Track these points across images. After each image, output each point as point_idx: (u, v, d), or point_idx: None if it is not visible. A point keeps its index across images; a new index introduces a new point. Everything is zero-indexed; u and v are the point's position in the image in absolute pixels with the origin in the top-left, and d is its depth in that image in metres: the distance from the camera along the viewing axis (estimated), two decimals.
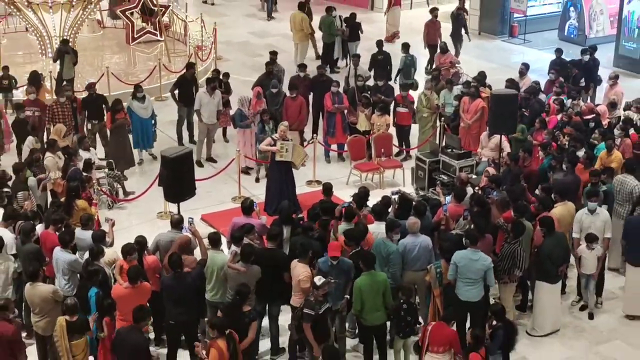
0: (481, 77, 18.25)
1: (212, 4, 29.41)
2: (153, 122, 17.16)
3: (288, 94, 17.41)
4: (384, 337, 11.18)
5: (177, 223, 11.94)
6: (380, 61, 20.15)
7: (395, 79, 19.76)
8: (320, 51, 22.94)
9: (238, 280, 10.89)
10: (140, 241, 11.40)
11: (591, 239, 12.12)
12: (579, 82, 18.40)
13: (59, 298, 10.72)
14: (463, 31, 22.19)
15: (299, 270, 10.95)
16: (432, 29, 21.72)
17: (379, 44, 20.75)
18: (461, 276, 11.13)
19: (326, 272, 10.69)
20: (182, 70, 19.12)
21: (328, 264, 10.83)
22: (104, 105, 16.84)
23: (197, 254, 11.60)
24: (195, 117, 17.41)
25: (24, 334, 10.88)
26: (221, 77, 18.19)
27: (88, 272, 10.90)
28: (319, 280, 10.22)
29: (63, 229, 11.78)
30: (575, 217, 12.50)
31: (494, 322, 10.36)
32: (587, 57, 19.00)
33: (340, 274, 10.76)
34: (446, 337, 10.21)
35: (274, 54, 18.87)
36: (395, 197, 13.01)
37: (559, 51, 19.29)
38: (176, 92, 18.01)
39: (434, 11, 22.51)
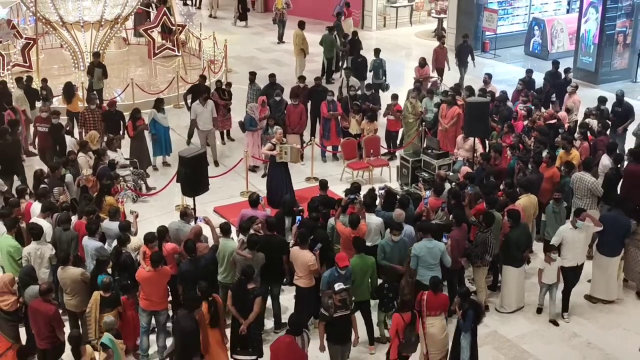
0: (457, 87, 18.33)
1: (215, 18, 29.52)
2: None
3: (290, 102, 17.44)
4: (368, 310, 11.25)
5: (183, 214, 12.07)
6: (359, 64, 20.88)
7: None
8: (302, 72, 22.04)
9: (245, 265, 10.90)
10: (162, 231, 11.38)
11: (550, 248, 11.79)
12: (550, 96, 18.26)
13: (86, 279, 10.76)
14: (469, 58, 21.77)
15: (306, 256, 11.02)
16: (440, 55, 21.35)
17: (358, 50, 21.72)
18: (422, 264, 11.13)
19: (334, 281, 10.24)
20: (197, 81, 19.10)
21: (335, 274, 10.48)
22: (121, 121, 16.65)
23: (210, 241, 11.64)
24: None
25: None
26: (224, 86, 18.15)
27: (98, 261, 10.92)
28: (338, 286, 9.94)
29: (93, 220, 11.79)
30: (559, 230, 11.93)
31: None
32: (570, 75, 18.87)
33: (347, 281, 10.52)
34: (440, 302, 10.36)
35: (272, 76, 18.50)
36: (382, 191, 13.05)
37: (529, 71, 18.88)
38: (189, 99, 17.95)
39: (441, 39, 22.30)
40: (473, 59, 21.57)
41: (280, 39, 26.62)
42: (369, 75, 20.76)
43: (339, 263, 10.46)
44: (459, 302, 10.28)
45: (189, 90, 18.36)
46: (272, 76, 18.45)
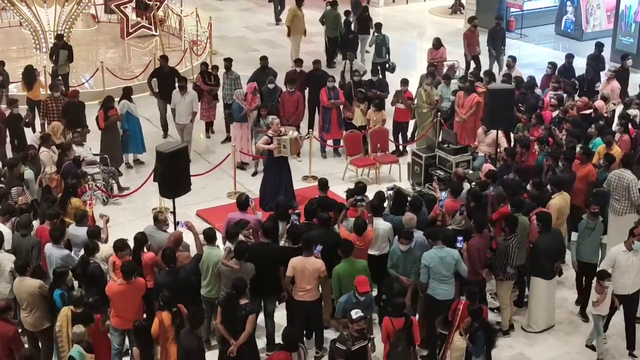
0: (477, 72, 18.31)
1: None
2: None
3: (285, 89, 17.43)
4: None
5: (155, 219, 12.04)
6: (350, 41, 21.49)
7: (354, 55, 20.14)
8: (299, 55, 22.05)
9: (231, 278, 10.88)
10: (139, 238, 11.39)
11: (603, 276, 11.21)
12: (593, 84, 18.25)
13: (45, 293, 10.72)
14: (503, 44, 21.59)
15: (316, 263, 11.05)
16: (472, 39, 21.18)
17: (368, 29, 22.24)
18: (434, 276, 11.10)
19: (351, 308, 10.14)
20: (177, 65, 19.09)
21: (353, 300, 10.42)
22: (83, 114, 16.64)
23: (193, 250, 11.64)
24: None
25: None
26: (210, 69, 18.20)
27: (55, 273, 10.88)
28: (355, 313, 9.81)
29: (56, 225, 11.78)
30: (610, 253, 11.59)
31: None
32: (629, 62, 18.89)
33: (366, 309, 10.50)
34: None
35: (264, 59, 18.56)
36: (391, 192, 13.02)
37: (569, 56, 18.83)
38: (155, 85, 18.04)
39: (472, 20, 21.73)
40: (504, 45, 21.44)
41: (277, 19, 26.58)
42: (371, 53, 20.88)
43: (359, 288, 10.35)
44: (469, 322, 10.27)
45: (152, 74, 18.37)
46: (263, 59, 18.46)
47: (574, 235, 12.19)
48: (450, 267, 11.11)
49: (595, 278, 11.69)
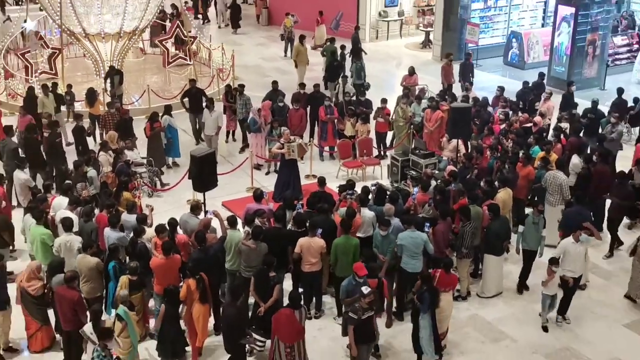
0: (442, 93, 18.32)
1: (236, 32, 29.21)
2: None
3: (291, 106, 17.41)
4: None
5: (195, 207, 12.05)
6: (335, 67, 21.52)
7: (345, 79, 20.11)
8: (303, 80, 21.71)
9: (250, 255, 10.91)
10: (172, 222, 11.44)
11: (552, 262, 11.05)
12: (533, 104, 18.08)
13: (100, 268, 10.73)
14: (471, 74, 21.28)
15: (319, 242, 11.12)
16: (448, 71, 20.93)
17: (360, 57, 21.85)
18: (407, 252, 11.13)
19: (352, 290, 10.04)
20: (207, 88, 18.99)
21: (353, 282, 10.14)
22: (131, 126, 16.61)
23: (219, 233, 11.65)
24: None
25: None
26: (233, 90, 18.14)
27: (109, 249, 10.93)
28: (365, 289, 9.60)
29: (113, 213, 11.81)
30: (561, 244, 11.46)
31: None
32: (574, 88, 18.65)
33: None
34: (452, 280, 10.70)
35: (275, 83, 18.50)
36: (374, 188, 13.05)
37: (594, 102, 17.42)
38: (187, 103, 17.91)
39: (448, 56, 21.49)
40: (473, 76, 21.07)
41: (286, 53, 26.26)
42: (350, 79, 20.77)
43: (358, 272, 10.21)
44: (419, 284, 10.26)
45: (183, 94, 18.28)
46: (274, 83, 18.45)
47: (521, 228, 12.08)
48: (420, 246, 11.13)
49: (533, 262, 11.95)
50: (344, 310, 10.26)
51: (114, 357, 9.03)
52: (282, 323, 9.65)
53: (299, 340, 9.80)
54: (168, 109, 16.79)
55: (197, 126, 17.84)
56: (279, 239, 11.33)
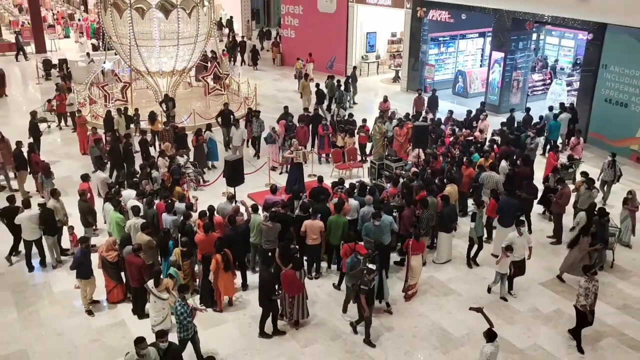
0: (407, 115, 18.15)
1: (256, 69, 28.83)
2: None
3: (298, 125, 17.30)
4: (338, 251, 11.20)
5: (230, 198, 11.99)
6: (321, 92, 21.25)
7: (329, 105, 19.89)
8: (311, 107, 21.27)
9: (268, 232, 10.89)
10: (210, 209, 11.38)
11: (507, 249, 10.66)
12: (472, 122, 17.80)
13: (152, 245, 10.68)
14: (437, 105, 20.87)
15: (319, 223, 11.05)
16: (418, 102, 20.41)
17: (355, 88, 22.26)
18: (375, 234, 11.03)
19: (355, 265, 9.86)
20: (236, 111, 18.89)
21: (355, 259, 9.92)
22: (185, 138, 16.53)
23: (245, 217, 11.59)
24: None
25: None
26: (252, 112, 18.04)
27: (164, 231, 10.88)
28: (372, 266, 9.37)
29: (168, 202, 11.77)
30: (508, 237, 10.93)
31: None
32: (515, 113, 18.45)
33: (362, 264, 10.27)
34: (421, 246, 10.81)
35: (286, 107, 18.32)
36: (357, 184, 13.02)
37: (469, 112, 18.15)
38: (219, 120, 17.95)
39: (418, 91, 21.08)
40: (437, 106, 20.46)
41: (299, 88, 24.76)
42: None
43: (360, 251, 10.03)
44: (373, 248, 10.16)
45: (218, 114, 18.24)
46: (286, 107, 18.33)
47: (472, 225, 11.81)
48: (387, 227, 11.09)
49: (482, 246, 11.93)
50: (351, 283, 9.83)
51: (190, 306, 8.97)
52: (287, 280, 9.70)
53: (299, 293, 9.79)
54: (209, 126, 16.71)
55: (227, 138, 17.74)
56: (288, 222, 11.31)
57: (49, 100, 19.91)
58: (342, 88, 22.12)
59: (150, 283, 9.58)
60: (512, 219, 12.00)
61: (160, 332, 8.14)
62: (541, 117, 18.41)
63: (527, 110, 18.62)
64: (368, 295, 9.42)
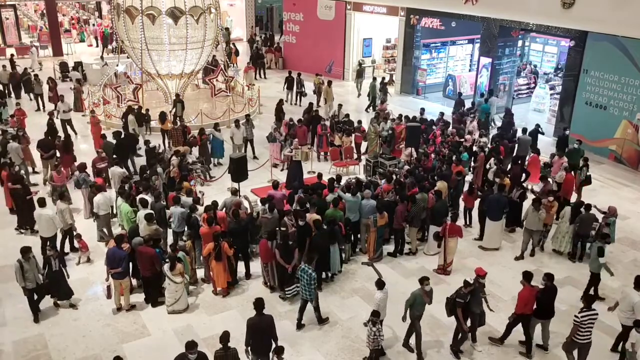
0: (400, 117, 17.99)
1: (265, 78, 27.96)
2: (222, 142, 16.72)
3: (297, 124, 17.22)
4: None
5: (234, 192, 11.96)
6: (291, 79, 22.41)
7: (371, 105, 19.66)
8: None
9: (267, 224, 10.90)
10: (214, 203, 11.37)
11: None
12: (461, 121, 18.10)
13: (159, 233, 10.72)
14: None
15: (315, 216, 11.03)
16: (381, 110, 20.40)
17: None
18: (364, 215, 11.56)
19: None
20: (241, 112, 18.80)
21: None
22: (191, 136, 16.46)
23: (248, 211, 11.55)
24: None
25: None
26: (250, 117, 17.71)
27: (174, 232, 11.00)
28: (469, 281, 8.96)
29: (176, 196, 11.75)
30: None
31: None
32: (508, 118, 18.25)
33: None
34: (457, 229, 11.12)
35: (310, 105, 18.50)
36: (353, 180, 13.02)
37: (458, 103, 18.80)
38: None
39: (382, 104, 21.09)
40: (464, 105, 20.05)
41: (318, 104, 22.86)
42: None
43: (480, 273, 9.17)
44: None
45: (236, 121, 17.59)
46: (311, 104, 18.45)
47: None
48: (363, 208, 11.65)
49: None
50: (452, 296, 9.07)
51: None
52: (263, 249, 10.24)
53: (271, 261, 10.20)
54: (215, 125, 16.64)
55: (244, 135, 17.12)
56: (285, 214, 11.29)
57: (12, 116, 17.97)
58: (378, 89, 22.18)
59: (166, 267, 9.67)
60: (500, 214, 12.02)
61: (189, 344, 7.48)
62: (473, 104, 18.87)
63: (507, 111, 18.48)
64: (464, 309, 8.88)
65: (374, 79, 22.97)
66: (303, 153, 15.00)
